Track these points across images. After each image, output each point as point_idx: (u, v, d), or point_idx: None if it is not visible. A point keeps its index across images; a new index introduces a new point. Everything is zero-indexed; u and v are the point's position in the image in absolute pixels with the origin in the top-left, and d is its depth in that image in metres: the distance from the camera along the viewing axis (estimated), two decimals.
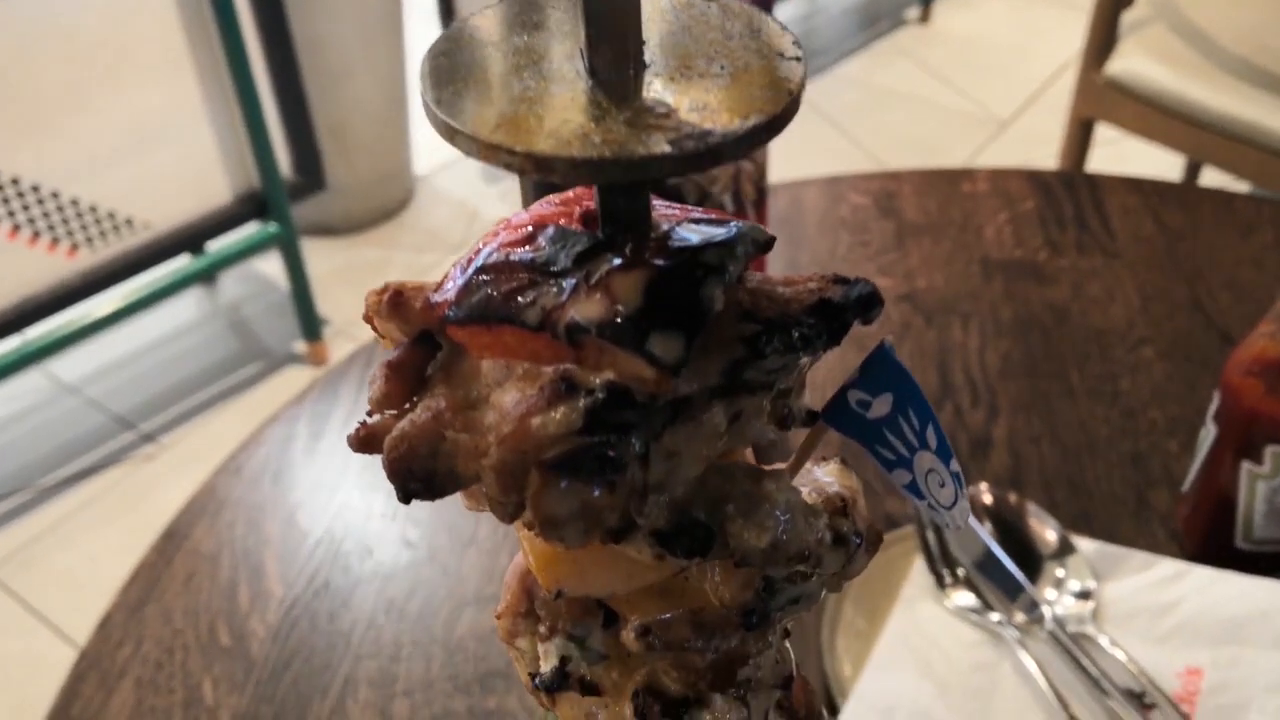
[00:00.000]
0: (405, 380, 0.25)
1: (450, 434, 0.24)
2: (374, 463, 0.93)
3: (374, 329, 0.26)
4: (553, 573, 0.27)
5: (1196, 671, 0.72)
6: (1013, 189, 1.13)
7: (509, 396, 0.23)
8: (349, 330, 2.30)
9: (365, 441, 0.26)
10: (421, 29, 2.80)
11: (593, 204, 0.26)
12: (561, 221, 0.25)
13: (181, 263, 2.04)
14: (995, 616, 0.75)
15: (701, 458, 0.25)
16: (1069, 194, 1.12)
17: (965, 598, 0.77)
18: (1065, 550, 0.78)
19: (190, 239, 1.97)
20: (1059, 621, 0.74)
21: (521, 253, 0.25)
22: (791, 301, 0.25)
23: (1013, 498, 0.81)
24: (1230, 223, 1.06)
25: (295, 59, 2.04)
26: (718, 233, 0.25)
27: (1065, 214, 1.09)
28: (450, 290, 0.25)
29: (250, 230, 2.05)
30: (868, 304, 0.26)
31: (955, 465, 0.30)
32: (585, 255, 0.25)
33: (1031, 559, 0.78)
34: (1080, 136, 1.88)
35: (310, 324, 2.21)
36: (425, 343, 0.25)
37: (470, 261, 0.25)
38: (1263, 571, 0.76)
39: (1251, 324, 0.76)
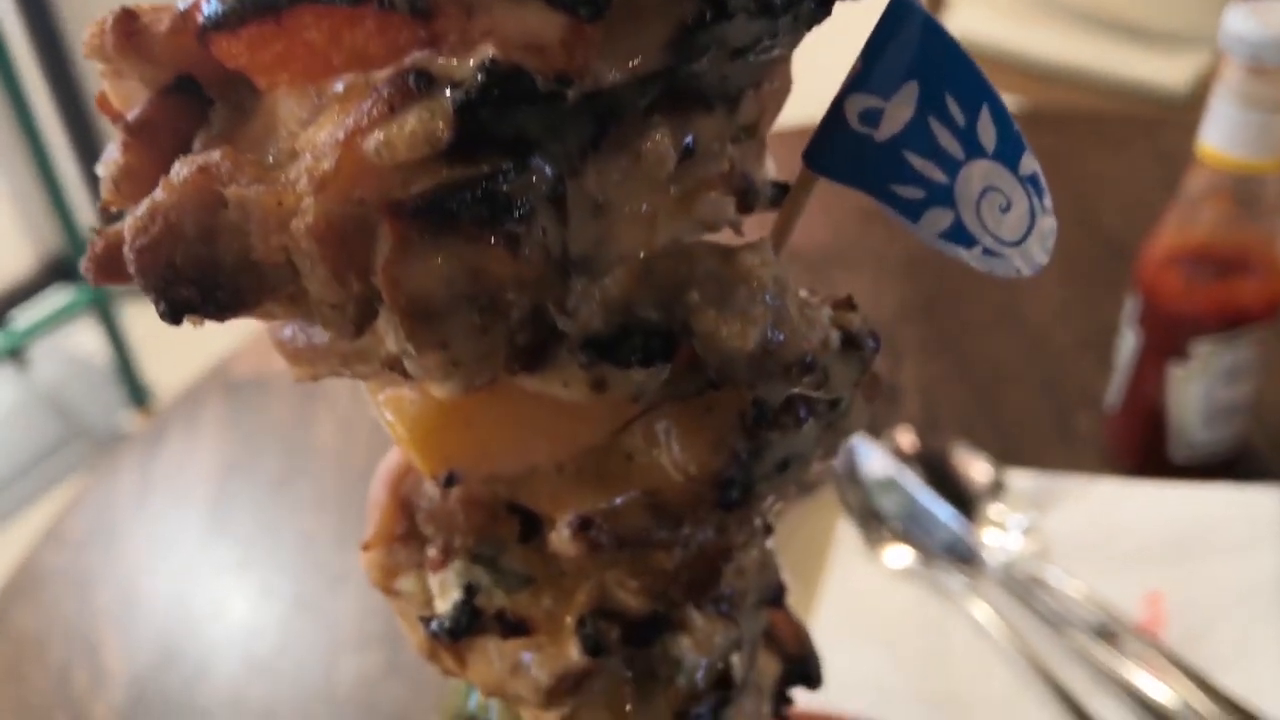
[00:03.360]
0: (157, 148, 0.15)
1: (234, 193, 0.14)
2: (220, 505, 0.82)
3: (106, 110, 0.17)
4: (439, 446, 0.18)
5: (1157, 595, 0.66)
6: None
7: (325, 130, 0.14)
8: None
9: (105, 262, 0.16)
10: None
11: None
12: None
13: None
14: (936, 568, 0.68)
15: (642, 219, 0.16)
16: None
17: (900, 554, 0.69)
18: (999, 487, 0.72)
19: None
20: (1006, 563, 0.67)
21: None
22: None
23: (935, 438, 0.75)
24: (1104, 142, 1.03)
25: (90, 109, 1.88)
26: None
27: None
28: None
29: (59, 297, 1.88)
30: None
31: (1029, 164, 0.21)
32: None
33: (965, 501, 0.71)
34: None
35: (136, 392, 2.03)
36: (185, 92, 0.16)
37: None
38: (1203, 478, 0.71)
39: (1143, 234, 0.72)
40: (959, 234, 0.21)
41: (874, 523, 0.71)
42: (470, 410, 0.18)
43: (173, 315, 0.15)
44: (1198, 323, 0.67)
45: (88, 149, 1.88)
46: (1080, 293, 0.88)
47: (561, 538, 0.18)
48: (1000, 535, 0.69)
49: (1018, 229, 0.22)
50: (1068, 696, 0.61)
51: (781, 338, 0.17)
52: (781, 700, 0.26)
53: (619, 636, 0.19)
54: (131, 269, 0.15)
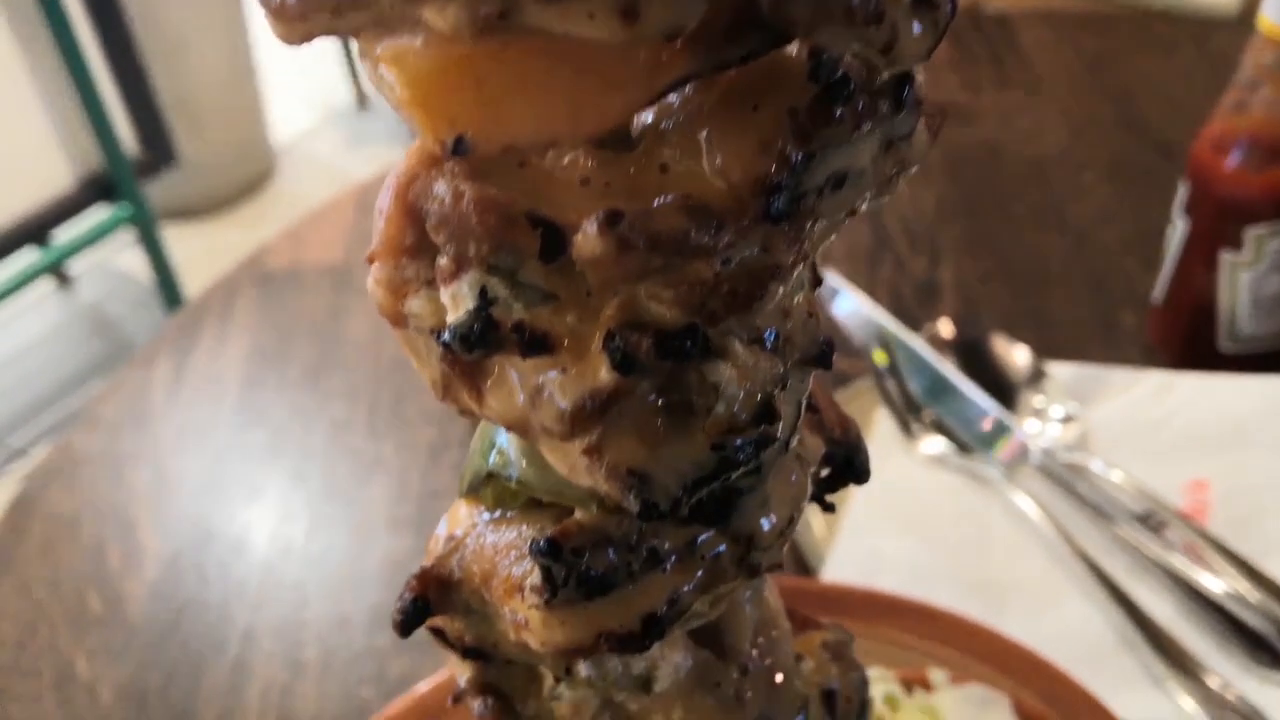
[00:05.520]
0: None
1: None
2: (253, 394, 0.81)
3: None
4: (445, 104, 0.16)
5: (1202, 484, 0.64)
6: None
7: None
8: None
9: None
10: None
11: None
12: None
13: (29, 258, 1.86)
14: (974, 457, 0.67)
15: None
16: (979, 35, 1.04)
17: (937, 444, 0.68)
18: (1039, 377, 0.70)
19: (32, 229, 1.80)
20: (1047, 452, 0.66)
21: None
22: None
23: (975, 329, 0.73)
24: (1151, 43, 1.00)
25: (129, 30, 1.88)
26: None
27: (978, 54, 1.01)
28: None
29: (99, 214, 1.88)
30: None
31: None
32: None
33: (1005, 391, 0.70)
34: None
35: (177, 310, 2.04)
36: None
37: None
38: (1251, 371, 0.69)
39: (1189, 134, 0.69)
40: None
41: (911, 412, 0.70)
42: (481, 66, 0.16)
43: None
44: (1250, 208, 0.65)
45: (126, 66, 1.88)
46: (1125, 192, 0.86)
47: (587, 236, 0.17)
48: (1040, 424, 0.68)
49: None
50: (1109, 582, 0.59)
51: None
52: (826, 487, 0.25)
53: (651, 350, 0.18)
54: None
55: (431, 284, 0.19)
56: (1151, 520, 0.62)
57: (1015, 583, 0.61)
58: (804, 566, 0.62)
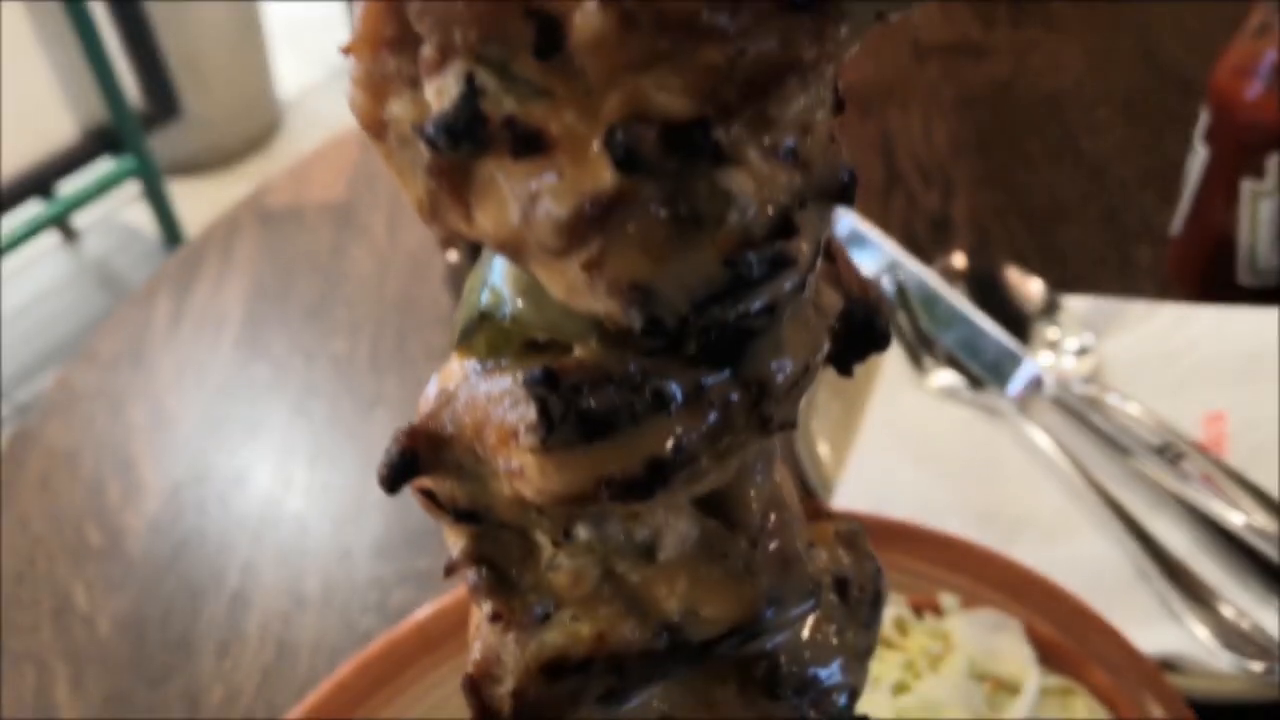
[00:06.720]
0: None
1: None
2: (254, 330, 0.80)
3: None
4: None
5: (1219, 415, 0.63)
6: None
7: None
8: None
9: None
10: None
11: None
12: None
13: (33, 211, 1.84)
14: (986, 390, 0.65)
15: None
16: None
17: (949, 377, 0.67)
18: (1054, 309, 0.69)
19: (37, 182, 1.78)
20: (1061, 384, 0.64)
21: None
22: None
23: (988, 260, 0.72)
24: None
25: None
26: None
27: None
28: None
29: (104, 167, 1.87)
30: None
31: None
32: None
33: (1018, 323, 0.68)
34: None
35: None
36: None
37: None
38: (1271, 304, 0.68)
39: (1208, 67, 0.67)
40: None
41: (923, 345, 0.68)
42: None
43: None
44: (1273, 135, 0.64)
45: (131, 18, 1.86)
46: (1143, 126, 0.84)
47: (586, 15, 0.15)
48: (1054, 357, 0.66)
49: None
50: (1124, 514, 0.58)
51: None
52: (844, 349, 0.23)
53: (657, 145, 0.16)
54: None
55: (415, 83, 0.17)
56: (1168, 452, 0.60)
57: (1028, 515, 0.60)
58: (812, 496, 0.61)
